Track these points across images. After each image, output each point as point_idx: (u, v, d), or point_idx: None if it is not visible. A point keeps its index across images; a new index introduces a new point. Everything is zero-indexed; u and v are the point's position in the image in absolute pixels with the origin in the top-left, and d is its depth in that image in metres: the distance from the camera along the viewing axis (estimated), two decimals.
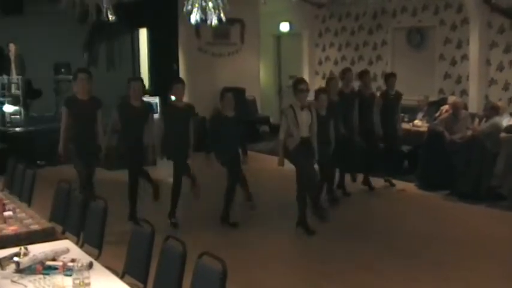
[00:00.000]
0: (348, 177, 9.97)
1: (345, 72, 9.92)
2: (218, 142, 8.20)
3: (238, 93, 14.99)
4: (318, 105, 8.44)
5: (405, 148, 11.01)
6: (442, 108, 11.29)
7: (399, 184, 10.32)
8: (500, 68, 11.84)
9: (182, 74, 15.66)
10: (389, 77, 10.24)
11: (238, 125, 8.37)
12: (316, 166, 8.39)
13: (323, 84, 15.52)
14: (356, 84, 10.07)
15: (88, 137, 7.81)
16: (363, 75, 10.10)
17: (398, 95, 10.15)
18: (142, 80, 8.78)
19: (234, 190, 8.33)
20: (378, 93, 10.51)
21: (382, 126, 9.92)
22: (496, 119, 9.85)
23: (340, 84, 9.58)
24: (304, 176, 7.88)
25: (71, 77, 15.80)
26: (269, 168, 8.12)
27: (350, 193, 9.85)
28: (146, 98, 15.64)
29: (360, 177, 10.19)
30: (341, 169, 9.71)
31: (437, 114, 11.26)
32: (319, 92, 8.74)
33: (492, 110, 10.11)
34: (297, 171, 7.94)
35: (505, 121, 9.97)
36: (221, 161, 8.30)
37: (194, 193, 8.68)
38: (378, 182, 10.28)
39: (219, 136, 8.21)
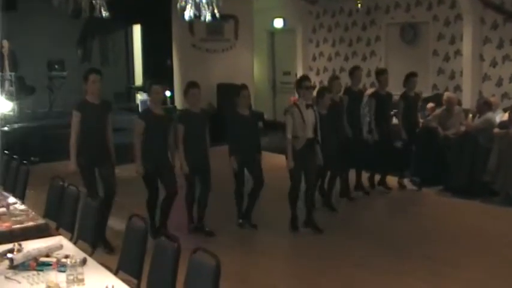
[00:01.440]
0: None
1: (354, 70, 9.76)
2: (236, 142, 7.78)
3: (232, 89, 15.06)
4: (321, 104, 8.28)
5: (398, 143, 10.97)
6: (428, 106, 11.27)
7: (393, 181, 10.27)
8: (494, 64, 11.87)
9: (176, 70, 15.67)
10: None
11: (254, 124, 8.09)
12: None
13: (317, 79, 15.70)
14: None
15: (101, 145, 7.08)
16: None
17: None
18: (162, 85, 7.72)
19: (255, 191, 8.01)
20: (371, 89, 10.50)
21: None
22: (489, 114, 9.87)
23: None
24: (296, 181, 7.77)
25: (64, 73, 15.90)
26: (264, 164, 8.04)
27: (369, 192, 9.77)
28: (141, 96, 15.88)
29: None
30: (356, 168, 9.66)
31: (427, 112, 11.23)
32: (323, 91, 8.64)
33: (485, 106, 10.14)
34: (290, 175, 7.79)
35: (498, 117, 10.00)
36: (237, 161, 7.82)
37: None
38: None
39: (237, 136, 7.78)
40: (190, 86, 7.69)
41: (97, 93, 7.06)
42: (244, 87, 8.02)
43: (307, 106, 7.73)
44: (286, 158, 7.74)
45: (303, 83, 7.84)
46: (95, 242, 5.13)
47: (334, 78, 9.55)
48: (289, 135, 7.64)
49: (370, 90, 10.87)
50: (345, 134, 9.08)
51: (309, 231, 7.85)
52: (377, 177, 9.98)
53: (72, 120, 7.00)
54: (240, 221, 8.14)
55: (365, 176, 9.87)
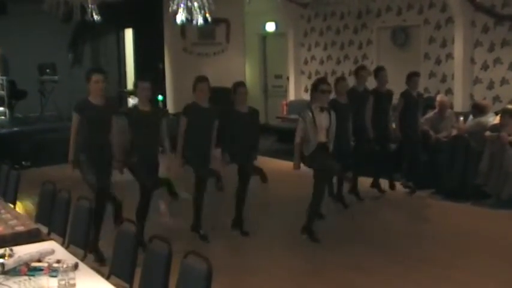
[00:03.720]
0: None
1: (377, 71, 9.71)
2: (231, 140, 7.63)
3: (223, 92, 15.07)
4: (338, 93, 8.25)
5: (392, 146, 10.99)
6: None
7: (385, 183, 10.28)
8: (485, 67, 11.91)
9: (168, 74, 15.67)
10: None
11: (252, 122, 7.83)
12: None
13: (309, 83, 15.70)
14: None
15: (103, 147, 6.87)
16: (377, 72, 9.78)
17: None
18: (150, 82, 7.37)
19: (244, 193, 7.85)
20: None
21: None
22: (482, 118, 9.91)
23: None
24: (323, 176, 7.54)
25: (56, 77, 15.87)
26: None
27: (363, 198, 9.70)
28: (133, 100, 15.85)
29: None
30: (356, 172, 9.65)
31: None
32: (339, 79, 8.54)
33: (475, 109, 10.20)
34: (314, 173, 7.55)
35: (490, 120, 10.03)
36: (233, 161, 7.72)
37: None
38: (365, 182, 10.27)
39: (231, 133, 7.63)
40: (199, 80, 7.50)
41: (100, 93, 6.82)
42: (241, 84, 7.91)
43: (322, 109, 7.48)
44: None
45: (319, 86, 7.55)
46: (88, 246, 5.08)
47: (340, 79, 9.40)
48: (298, 140, 7.46)
49: None
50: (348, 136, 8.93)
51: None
52: (368, 180, 10.00)
53: (73, 121, 6.81)
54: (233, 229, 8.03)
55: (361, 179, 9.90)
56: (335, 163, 7.72)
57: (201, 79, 7.53)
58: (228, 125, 7.67)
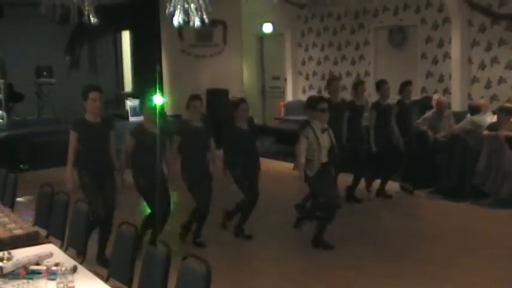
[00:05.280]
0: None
1: (380, 84, 9.66)
2: (234, 157, 7.62)
3: (221, 94, 15.10)
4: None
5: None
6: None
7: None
8: (482, 67, 11.91)
9: (165, 76, 15.67)
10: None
11: (253, 139, 7.89)
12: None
13: (306, 84, 15.72)
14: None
15: (103, 165, 6.80)
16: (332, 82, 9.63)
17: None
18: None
19: (250, 205, 7.79)
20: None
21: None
22: (474, 117, 9.92)
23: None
24: (326, 200, 7.44)
25: (53, 80, 15.87)
26: None
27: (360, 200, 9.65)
28: (130, 102, 15.86)
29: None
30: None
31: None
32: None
33: (469, 109, 10.24)
34: (320, 194, 7.53)
35: (489, 119, 10.03)
36: (234, 177, 7.69)
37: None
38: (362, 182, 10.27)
39: (233, 150, 7.64)
40: (192, 99, 7.52)
41: (97, 112, 6.76)
42: (242, 100, 7.94)
43: (323, 130, 7.35)
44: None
45: (319, 105, 7.35)
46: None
47: (332, 78, 9.36)
48: (303, 160, 7.27)
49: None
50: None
51: (303, 234, 7.81)
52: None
53: (70, 139, 6.76)
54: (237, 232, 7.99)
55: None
56: (337, 195, 7.67)
57: (194, 97, 7.57)
58: (230, 143, 7.73)
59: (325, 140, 7.37)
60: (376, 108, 9.52)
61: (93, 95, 6.71)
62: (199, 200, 7.44)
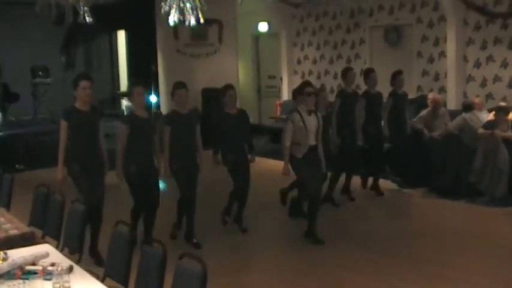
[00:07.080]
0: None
1: (367, 73, 9.70)
2: (223, 142, 7.75)
3: (217, 93, 15.06)
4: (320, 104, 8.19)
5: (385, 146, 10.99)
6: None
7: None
8: (477, 65, 11.94)
9: (161, 75, 15.64)
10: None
11: (242, 123, 7.87)
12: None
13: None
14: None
15: (92, 153, 6.82)
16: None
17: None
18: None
19: (240, 194, 7.93)
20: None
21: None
22: (467, 114, 9.93)
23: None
24: (310, 189, 7.52)
25: (48, 80, 15.84)
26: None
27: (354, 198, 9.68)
28: (125, 101, 15.83)
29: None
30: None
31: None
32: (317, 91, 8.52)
33: (463, 107, 10.26)
34: (303, 184, 7.69)
35: (484, 117, 10.06)
36: (224, 162, 7.83)
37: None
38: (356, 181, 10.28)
39: (223, 135, 7.71)
40: (176, 87, 7.52)
41: (87, 100, 6.75)
42: (230, 86, 7.92)
43: (310, 112, 7.45)
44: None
45: (305, 89, 7.51)
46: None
47: (320, 90, 9.42)
48: (287, 144, 7.42)
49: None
50: (333, 141, 8.99)
51: (301, 237, 7.78)
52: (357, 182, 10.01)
53: (60, 128, 6.74)
54: (227, 217, 8.11)
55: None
56: (320, 181, 7.81)
57: (179, 85, 7.54)
58: (218, 127, 7.76)
59: (312, 122, 7.43)
60: (366, 96, 9.53)
61: (83, 83, 6.70)
62: (183, 190, 7.44)
